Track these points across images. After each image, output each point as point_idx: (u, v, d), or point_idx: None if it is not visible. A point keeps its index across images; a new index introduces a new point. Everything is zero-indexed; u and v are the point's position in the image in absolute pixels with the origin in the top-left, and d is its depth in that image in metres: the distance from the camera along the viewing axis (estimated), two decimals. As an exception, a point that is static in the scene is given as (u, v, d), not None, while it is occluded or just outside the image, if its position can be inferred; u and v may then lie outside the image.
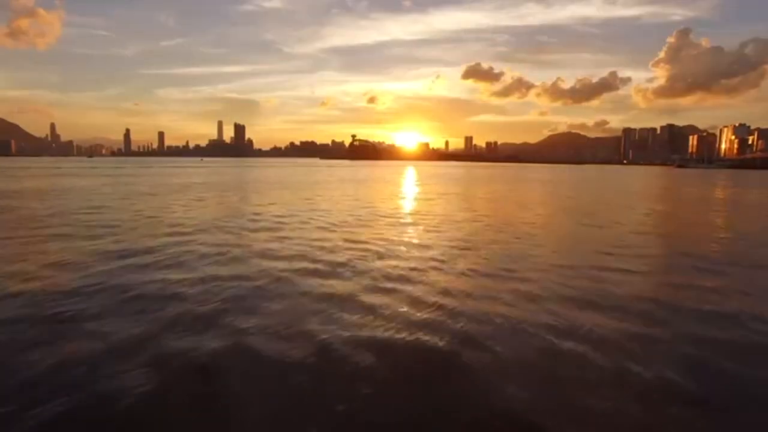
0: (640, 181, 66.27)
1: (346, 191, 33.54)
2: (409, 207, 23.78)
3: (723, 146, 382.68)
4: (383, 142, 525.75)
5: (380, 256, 10.90)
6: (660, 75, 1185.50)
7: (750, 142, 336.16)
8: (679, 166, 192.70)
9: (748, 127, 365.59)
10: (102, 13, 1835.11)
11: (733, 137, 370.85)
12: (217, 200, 25.49)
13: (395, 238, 13.61)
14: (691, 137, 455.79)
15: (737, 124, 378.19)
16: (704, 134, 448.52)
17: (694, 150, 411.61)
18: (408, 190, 38.16)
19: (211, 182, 43.23)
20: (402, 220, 17.87)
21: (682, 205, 29.70)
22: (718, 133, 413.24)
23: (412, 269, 9.59)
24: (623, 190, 43.51)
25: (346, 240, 12.99)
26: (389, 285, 8.37)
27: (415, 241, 13.33)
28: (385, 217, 18.64)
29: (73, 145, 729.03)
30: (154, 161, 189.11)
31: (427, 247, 12.23)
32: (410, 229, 15.57)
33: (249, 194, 30.65)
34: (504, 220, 18.30)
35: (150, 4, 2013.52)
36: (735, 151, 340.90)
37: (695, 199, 34.07)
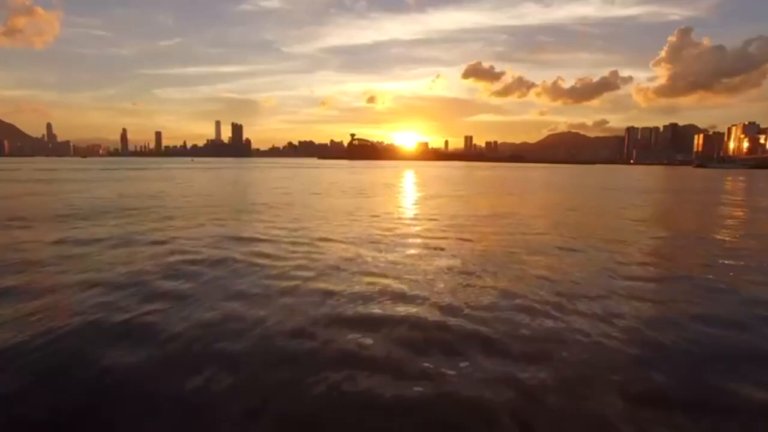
0: (696, 186, 57.20)
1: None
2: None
3: (731, 145, 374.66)
4: (382, 142, 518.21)
5: None
6: (661, 74, 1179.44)
7: (762, 140, 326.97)
8: (698, 166, 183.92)
9: (758, 125, 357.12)
10: (100, 13, 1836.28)
11: (742, 136, 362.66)
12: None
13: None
14: (696, 136, 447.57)
15: (746, 123, 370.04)
16: (710, 133, 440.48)
17: (700, 149, 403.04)
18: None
19: (151, 205, 32.88)
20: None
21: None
22: (726, 132, 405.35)
23: None
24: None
25: None
26: None
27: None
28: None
29: (69, 146, 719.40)
30: (145, 161, 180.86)
31: None
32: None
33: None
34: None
35: (148, 4, 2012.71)
36: (744, 150, 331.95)
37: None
